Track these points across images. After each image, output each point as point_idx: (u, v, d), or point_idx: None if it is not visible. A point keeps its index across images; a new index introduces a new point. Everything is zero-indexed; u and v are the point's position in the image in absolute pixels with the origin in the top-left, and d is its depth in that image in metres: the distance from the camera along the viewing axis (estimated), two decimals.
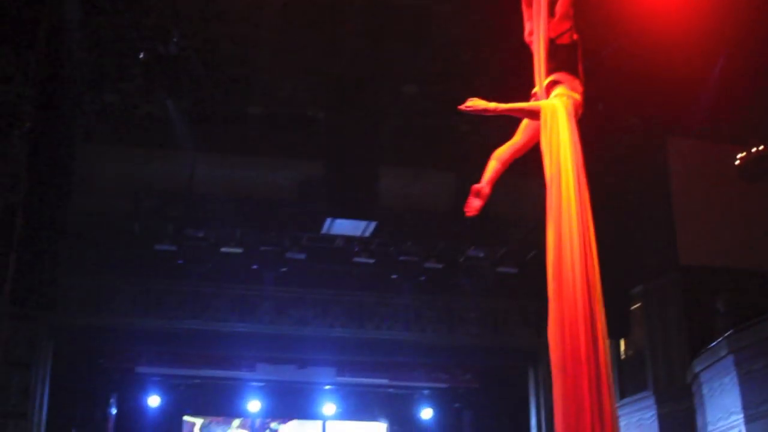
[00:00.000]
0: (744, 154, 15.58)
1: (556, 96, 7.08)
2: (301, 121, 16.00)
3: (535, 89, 7.40)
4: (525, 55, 7.72)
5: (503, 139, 7.50)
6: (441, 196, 17.07)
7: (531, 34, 7.54)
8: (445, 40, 14.39)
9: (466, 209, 7.17)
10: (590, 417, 6.20)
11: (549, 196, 6.71)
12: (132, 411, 20.63)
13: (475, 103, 6.74)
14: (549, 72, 7.37)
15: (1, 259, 12.33)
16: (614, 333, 16.65)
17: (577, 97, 7.14)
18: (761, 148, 15.39)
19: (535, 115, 6.99)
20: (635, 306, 16.99)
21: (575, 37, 7.45)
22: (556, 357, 6.44)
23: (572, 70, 7.30)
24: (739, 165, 15.63)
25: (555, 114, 6.85)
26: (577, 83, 7.23)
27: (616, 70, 13.80)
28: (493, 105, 6.78)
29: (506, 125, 7.36)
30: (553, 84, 7.22)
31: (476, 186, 7.14)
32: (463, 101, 6.69)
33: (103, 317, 16.92)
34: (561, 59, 7.41)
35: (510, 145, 7.20)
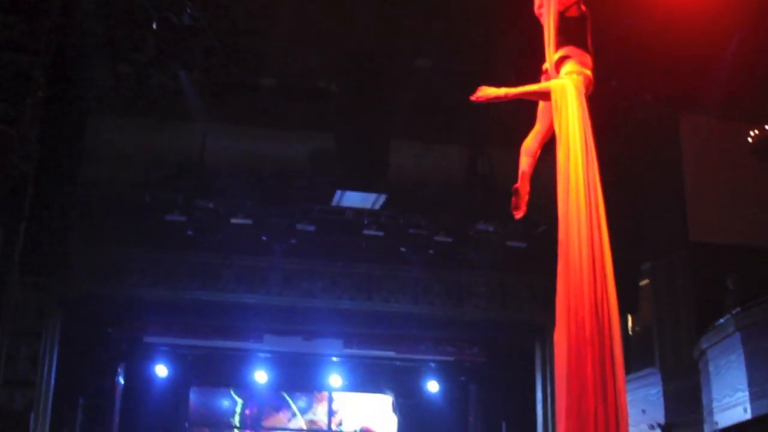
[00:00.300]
0: (757, 132, 15.51)
1: (566, 73, 7.05)
2: (314, 93, 15.98)
3: (546, 65, 7.39)
4: (537, 28, 7.70)
5: (515, 112, 7.51)
6: (452, 170, 17.07)
7: (541, 6, 7.51)
8: (458, 13, 14.33)
9: (514, 213, 7.16)
10: (593, 397, 6.18)
11: (559, 175, 6.71)
12: (140, 380, 20.72)
13: (485, 92, 6.77)
14: (558, 46, 7.34)
15: (12, 227, 12.35)
16: (623, 309, 16.67)
17: (588, 72, 7.12)
18: None
19: (546, 96, 6.97)
20: (644, 282, 16.99)
21: (584, 9, 7.42)
22: (560, 335, 6.45)
23: (582, 44, 7.26)
24: (752, 143, 15.57)
25: (564, 94, 6.84)
26: (587, 58, 7.21)
27: (630, 46, 13.73)
28: (503, 91, 6.80)
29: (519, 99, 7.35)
30: (563, 59, 7.20)
31: (515, 186, 7.16)
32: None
33: (113, 286, 16.97)
34: (570, 33, 7.37)
35: (534, 135, 7.18)
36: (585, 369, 6.22)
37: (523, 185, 7.14)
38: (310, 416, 22.56)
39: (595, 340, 6.27)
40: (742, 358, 13.83)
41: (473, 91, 7.13)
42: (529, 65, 7.85)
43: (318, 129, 16.15)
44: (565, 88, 6.87)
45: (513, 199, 7.17)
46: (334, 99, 15.56)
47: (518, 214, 7.12)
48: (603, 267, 6.44)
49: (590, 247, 6.42)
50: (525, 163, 7.19)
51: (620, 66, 13.66)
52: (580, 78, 6.98)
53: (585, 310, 6.31)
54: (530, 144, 7.22)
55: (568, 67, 7.12)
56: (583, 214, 6.48)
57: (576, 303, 6.36)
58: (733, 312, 14.13)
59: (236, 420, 22.26)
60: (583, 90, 6.94)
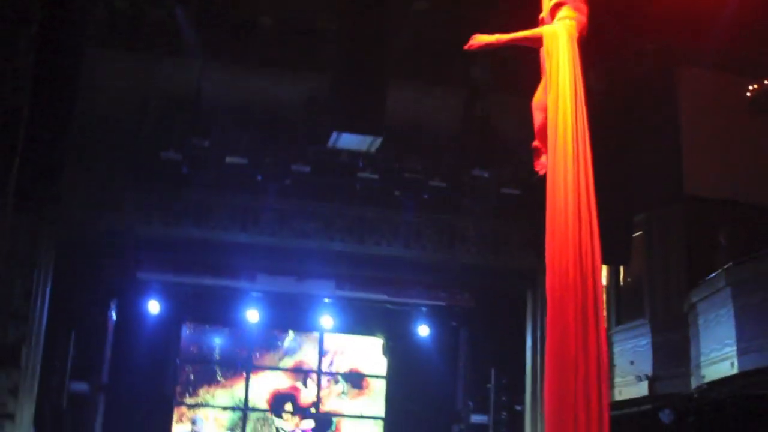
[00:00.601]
0: (756, 86, 15.44)
1: (559, 19, 7.03)
2: (312, 32, 15.85)
3: (543, 13, 7.35)
4: None
5: (514, 58, 7.48)
6: (449, 115, 17.03)
7: None
8: None
9: (537, 170, 7.16)
10: (574, 343, 6.24)
11: (549, 122, 6.71)
12: (132, 316, 20.80)
13: (478, 39, 6.79)
14: None
15: (5, 162, 12.33)
16: (615, 259, 16.72)
17: (582, 18, 7.08)
18: None
19: (537, 42, 6.95)
20: (637, 233, 16.99)
21: None
22: (548, 281, 6.49)
23: None
24: (750, 97, 15.51)
25: (556, 40, 6.84)
26: (581, 3, 7.18)
27: None
28: (495, 37, 6.84)
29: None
30: (558, 5, 7.19)
31: (533, 144, 7.17)
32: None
33: (108, 221, 16.98)
34: None
35: (542, 89, 7.16)
36: (567, 315, 6.30)
37: (541, 141, 7.14)
38: (300, 356, 22.69)
39: (578, 287, 6.33)
40: (731, 313, 13.92)
41: (471, 34, 7.12)
42: (528, 10, 7.80)
43: (315, 69, 16.05)
44: (557, 33, 6.86)
45: (534, 157, 7.19)
46: (331, 39, 15.43)
47: (542, 170, 7.12)
48: (589, 216, 6.47)
49: (576, 196, 6.45)
50: (538, 118, 7.21)
51: (618, 14, 13.55)
52: (573, 23, 6.96)
53: (569, 258, 6.37)
54: (540, 98, 7.22)
55: (563, 12, 7.12)
56: (570, 163, 6.49)
57: (560, 250, 6.41)
58: (725, 267, 14.19)
59: (227, 358, 22.38)
60: (575, 35, 6.91)
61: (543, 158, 7.17)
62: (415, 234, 18.23)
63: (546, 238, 6.59)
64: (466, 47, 6.96)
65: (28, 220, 15.07)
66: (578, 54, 6.81)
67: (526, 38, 7.02)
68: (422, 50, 16.09)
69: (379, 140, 15.65)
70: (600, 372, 6.28)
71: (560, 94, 6.67)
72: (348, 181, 17.53)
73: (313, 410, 22.41)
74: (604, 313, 6.40)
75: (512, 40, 6.94)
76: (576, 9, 7.10)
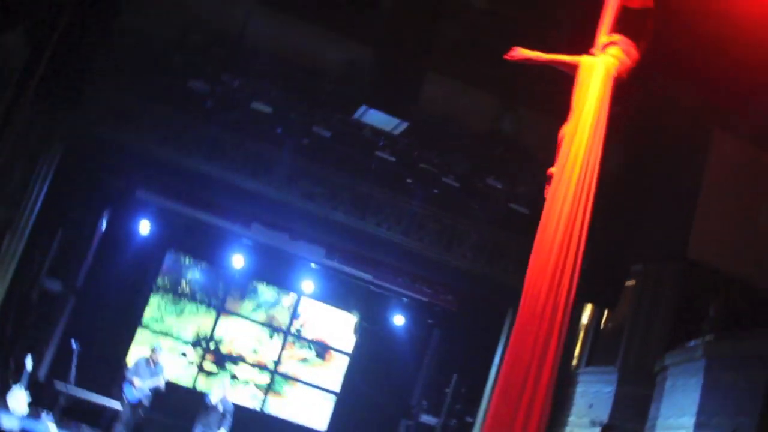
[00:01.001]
0: None
1: (603, 53, 7.02)
2: (369, 2, 15.77)
3: (594, 48, 7.34)
4: (599, 7, 7.62)
5: (554, 80, 7.45)
6: (479, 118, 16.97)
7: None
8: None
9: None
10: (525, 372, 6.25)
11: (561, 148, 6.69)
12: (121, 230, 20.81)
13: (520, 52, 6.82)
14: (612, 31, 7.33)
15: (38, 51, 12.31)
16: (601, 301, 16.74)
17: (627, 61, 7.06)
18: None
19: (574, 69, 6.94)
20: (630, 282, 16.95)
21: (648, 4, 7.36)
22: (521, 303, 6.48)
23: (634, 36, 7.23)
24: None
25: (591, 71, 6.85)
26: (633, 49, 7.18)
27: (684, 47, 13.52)
28: (535, 54, 6.83)
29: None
30: (610, 44, 7.18)
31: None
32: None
33: (120, 134, 16.92)
34: (627, 23, 7.35)
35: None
36: (527, 342, 6.30)
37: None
38: (273, 312, 22.73)
39: (546, 318, 6.33)
40: (700, 384, 13.87)
41: (520, 44, 7.12)
42: (582, 37, 7.76)
43: (362, 40, 15.98)
44: (594, 66, 6.86)
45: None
46: (385, 13, 15.36)
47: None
48: (575, 252, 6.46)
49: (567, 229, 6.44)
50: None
51: (669, 63, 13.47)
52: (615, 62, 6.93)
53: (544, 287, 6.37)
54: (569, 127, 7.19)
55: (611, 50, 7.09)
56: (570, 195, 6.49)
57: (538, 277, 6.42)
58: (706, 338, 14.15)
59: (201, 295, 22.43)
60: (613, 74, 6.88)
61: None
62: (417, 225, 18.18)
63: (529, 262, 6.59)
64: (506, 56, 6.98)
65: (45, 116, 15.05)
66: (610, 92, 6.80)
67: (564, 62, 7.02)
68: (469, 49, 16.01)
69: (405, 125, 15.64)
70: (544, 403, 6.28)
71: (580, 126, 6.68)
72: (364, 157, 17.50)
73: (270, 367, 22.46)
74: (562, 346, 6.38)
75: (551, 60, 6.97)
76: (625, 52, 7.10)
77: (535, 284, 6.42)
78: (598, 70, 6.80)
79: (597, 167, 6.60)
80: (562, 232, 6.46)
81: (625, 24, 7.39)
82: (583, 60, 6.91)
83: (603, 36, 7.34)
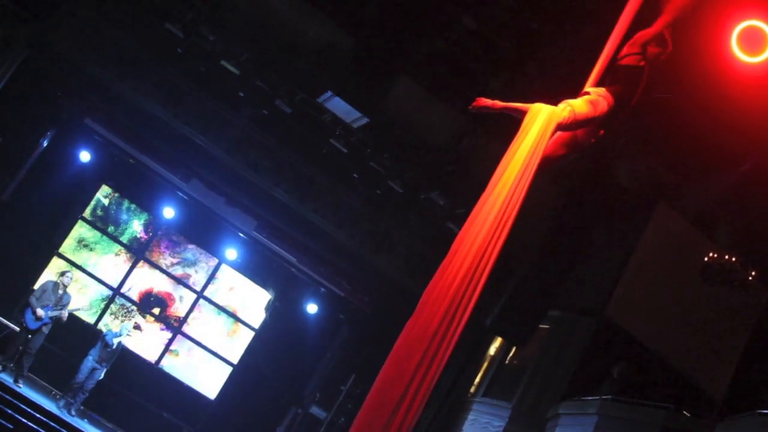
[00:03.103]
0: (715, 255, 15.60)
1: (561, 102, 7.09)
2: None
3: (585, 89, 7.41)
4: (589, 52, 7.71)
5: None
6: (439, 131, 16.95)
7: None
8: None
9: None
10: (403, 390, 6.28)
11: (489, 184, 6.76)
12: (60, 153, 20.48)
13: (481, 102, 6.93)
14: (597, 84, 7.40)
15: None
16: (512, 337, 16.88)
17: (586, 113, 7.11)
18: (733, 259, 15.41)
19: (523, 114, 7.02)
20: (544, 326, 17.13)
21: (641, 63, 7.45)
22: (412, 319, 6.51)
23: (612, 91, 7.32)
24: (705, 262, 15.66)
25: (534, 119, 6.90)
26: (602, 104, 7.23)
27: (654, 121, 13.71)
28: (492, 102, 6.96)
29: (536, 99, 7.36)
30: (584, 93, 7.27)
31: None
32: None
33: (84, 58, 16.69)
34: (613, 77, 7.43)
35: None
36: (412, 360, 6.31)
37: None
38: (190, 271, 22.57)
39: (434, 344, 6.37)
40: None
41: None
42: (562, 80, 7.84)
43: (346, 27, 15.92)
44: (539, 114, 6.92)
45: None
46: (375, 8, 15.37)
47: None
48: (475, 285, 6.51)
49: (474, 260, 6.51)
50: None
51: (636, 129, 13.65)
52: (565, 113, 6.99)
53: (438, 312, 6.41)
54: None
55: (575, 100, 7.16)
56: (485, 230, 6.57)
57: (435, 301, 6.45)
58: (603, 397, 14.35)
59: (124, 237, 22.20)
60: (556, 121, 6.93)
61: None
62: (352, 221, 18.16)
63: (431, 282, 6.64)
64: (470, 107, 7.13)
65: (15, 19, 14.80)
66: (547, 138, 6.90)
67: (517, 109, 7.09)
68: (447, 64, 16.07)
69: (365, 120, 15.64)
70: (411, 427, 6.34)
71: (510, 167, 6.78)
72: (318, 141, 17.45)
73: (175, 324, 22.30)
74: (438, 376, 6.45)
75: (506, 108, 7.06)
76: (592, 104, 7.18)
77: (432, 308, 6.47)
78: (541, 117, 6.89)
79: (515, 210, 6.69)
80: (469, 264, 6.54)
81: (610, 78, 7.49)
82: (532, 107, 7.00)
83: (587, 85, 7.43)
